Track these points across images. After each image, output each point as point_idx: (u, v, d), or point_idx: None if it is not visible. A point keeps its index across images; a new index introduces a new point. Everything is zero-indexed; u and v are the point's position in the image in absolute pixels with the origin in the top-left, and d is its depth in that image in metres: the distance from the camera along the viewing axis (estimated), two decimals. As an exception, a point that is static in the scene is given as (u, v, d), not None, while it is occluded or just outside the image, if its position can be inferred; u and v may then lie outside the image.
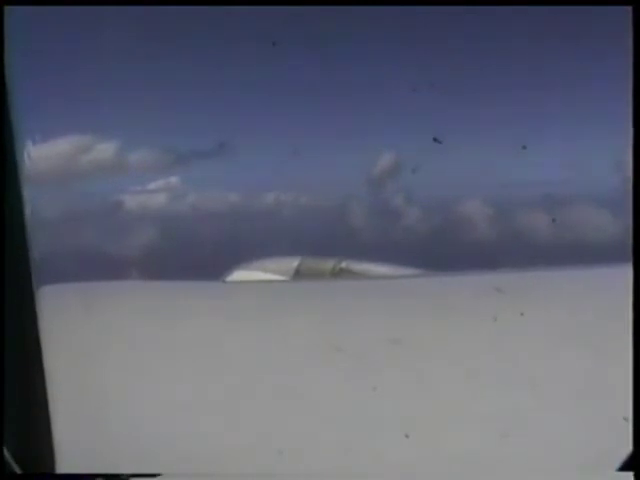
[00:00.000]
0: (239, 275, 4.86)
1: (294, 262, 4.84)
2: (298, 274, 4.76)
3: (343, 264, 4.73)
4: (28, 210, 1.54)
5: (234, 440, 2.25)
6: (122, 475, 1.73)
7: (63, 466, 1.66)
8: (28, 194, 1.54)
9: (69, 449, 1.68)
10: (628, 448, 1.69)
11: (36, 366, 1.61)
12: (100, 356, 2.63)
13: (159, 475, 1.80)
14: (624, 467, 1.75)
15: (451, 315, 3.14)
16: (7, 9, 1.42)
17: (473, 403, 2.40)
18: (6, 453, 1.51)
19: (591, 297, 3.23)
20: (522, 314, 2.88)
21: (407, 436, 2.16)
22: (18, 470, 1.53)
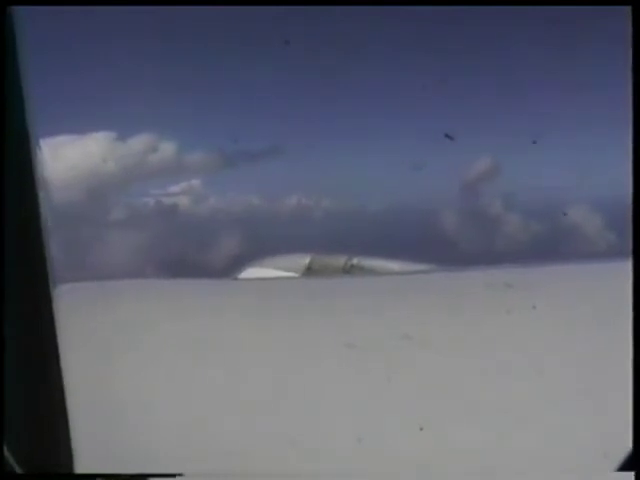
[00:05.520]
0: (251, 272, 4.89)
1: (305, 259, 4.85)
2: (309, 271, 4.78)
3: (354, 260, 4.74)
4: (45, 209, 1.55)
5: (247, 438, 2.26)
6: (122, 475, 1.75)
7: (79, 466, 1.67)
8: (44, 192, 1.56)
9: (84, 449, 1.69)
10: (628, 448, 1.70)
11: (52, 365, 1.62)
12: (112, 354, 2.65)
13: (169, 476, 1.81)
14: (624, 467, 1.76)
15: (462, 310, 3.15)
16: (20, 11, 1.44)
17: (487, 397, 2.40)
18: (6, 453, 1.52)
19: (600, 290, 3.23)
20: (534, 307, 2.89)
21: (422, 429, 2.17)
22: (18, 470, 1.54)
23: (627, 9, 1.66)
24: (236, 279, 4.76)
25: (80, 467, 1.66)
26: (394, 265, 4.62)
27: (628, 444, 1.73)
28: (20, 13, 1.45)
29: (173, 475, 1.80)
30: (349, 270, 4.71)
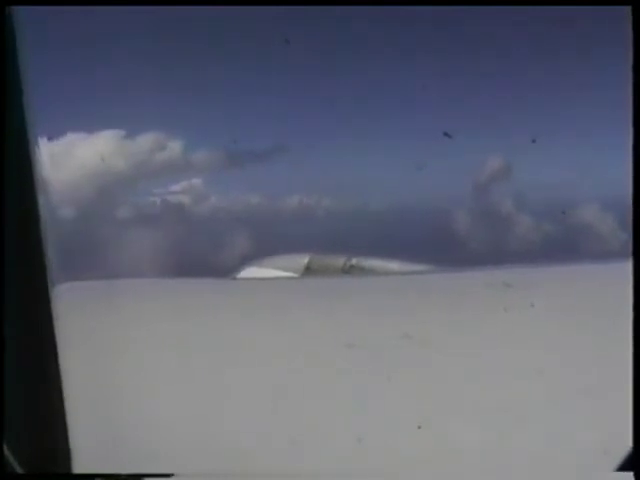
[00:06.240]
0: (250, 272, 4.89)
1: (304, 259, 4.85)
2: (308, 271, 4.78)
3: (353, 261, 4.74)
4: (43, 208, 1.55)
5: (247, 438, 2.26)
6: (122, 475, 1.75)
7: (78, 466, 1.67)
8: (42, 190, 1.56)
9: (84, 448, 1.69)
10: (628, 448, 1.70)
11: (51, 364, 1.62)
12: (111, 353, 2.65)
13: (170, 475, 1.81)
14: (624, 467, 1.76)
15: (462, 310, 3.15)
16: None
17: (487, 397, 2.41)
18: (6, 453, 1.52)
19: (600, 291, 3.24)
20: (532, 305, 2.90)
21: (419, 427, 2.17)
22: (19, 469, 1.54)
23: (627, 9, 1.66)
24: (235, 279, 4.76)
25: (79, 467, 1.66)
26: (393, 265, 4.62)
27: (628, 444, 1.73)
28: (20, 13, 1.45)
29: (172, 475, 1.80)
30: (348, 270, 4.71)
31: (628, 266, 1.79)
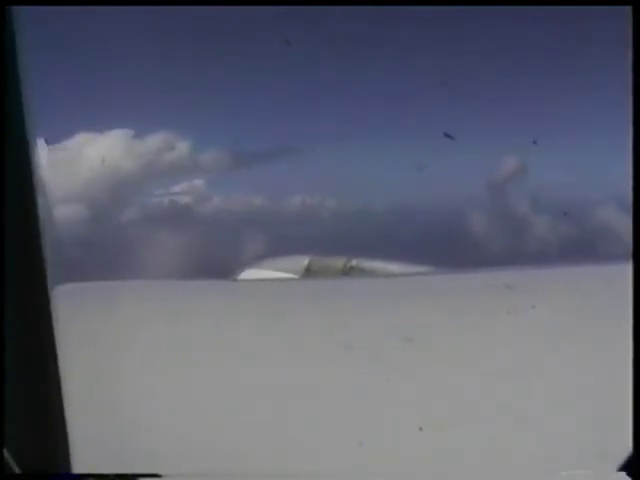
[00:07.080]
0: (250, 273, 4.88)
1: (304, 260, 4.85)
2: (309, 272, 4.77)
3: (354, 262, 4.73)
4: (43, 209, 1.56)
5: (247, 438, 2.26)
6: (109, 475, 1.75)
7: (78, 466, 1.67)
8: (42, 191, 1.56)
9: (84, 449, 1.69)
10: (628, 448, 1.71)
11: (51, 365, 1.62)
12: (111, 355, 2.65)
13: (159, 476, 1.81)
14: (624, 467, 1.77)
15: (462, 312, 3.15)
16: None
17: (487, 398, 2.41)
18: (6, 453, 1.52)
19: (601, 292, 3.24)
20: (534, 307, 2.90)
21: (421, 429, 2.17)
22: (17, 470, 1.54)
23: (627, 9, 1.67)
24: (235, 280, 4.75)
25: (79, 467, 1.66)
26: (394, 267, 4.61)
27: (628, 444, 1.73)
28: (20, 13, 1.46)
29: (161, 475, 1.81)
30: (348, 272, 4.70)
31: (630, 267, 1.79)
